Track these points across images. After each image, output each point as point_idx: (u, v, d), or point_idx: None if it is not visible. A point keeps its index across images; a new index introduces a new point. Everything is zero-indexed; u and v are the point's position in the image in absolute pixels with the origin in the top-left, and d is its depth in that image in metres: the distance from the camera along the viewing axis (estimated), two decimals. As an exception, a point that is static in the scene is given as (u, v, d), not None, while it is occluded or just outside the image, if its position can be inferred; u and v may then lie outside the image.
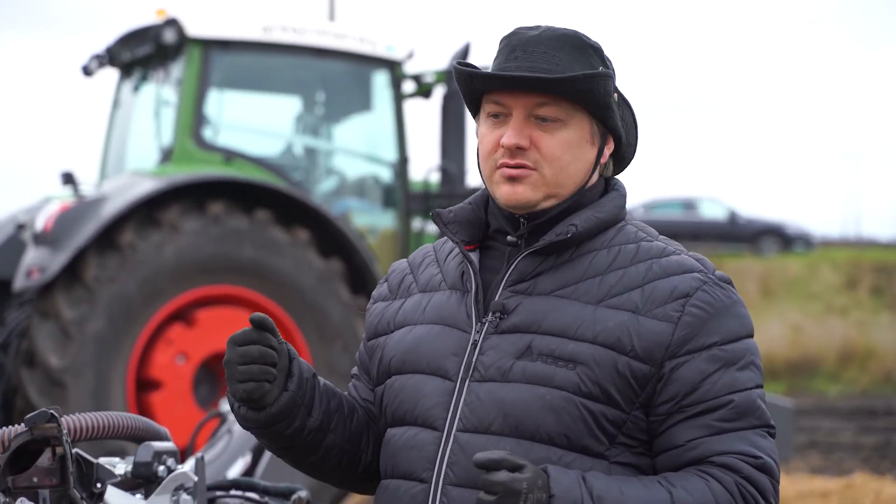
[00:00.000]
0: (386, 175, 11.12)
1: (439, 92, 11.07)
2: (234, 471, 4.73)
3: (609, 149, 2.83)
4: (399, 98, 10.88)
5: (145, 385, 9.67)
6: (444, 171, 11.01)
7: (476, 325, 2.76)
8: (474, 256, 2.82)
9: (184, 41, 10.13)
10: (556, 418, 2.64)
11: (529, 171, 2.74)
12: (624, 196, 2.85)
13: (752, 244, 36.45)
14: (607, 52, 2.84)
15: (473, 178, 11.33)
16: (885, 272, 31.61)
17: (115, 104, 11.32)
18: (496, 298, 2.76)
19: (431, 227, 10.86)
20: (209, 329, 9.74)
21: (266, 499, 3.65)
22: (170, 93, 10.40)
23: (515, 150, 2.74)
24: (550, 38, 2.76)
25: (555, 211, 2.77)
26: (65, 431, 2.71)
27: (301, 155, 11.18)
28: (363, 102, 11.12)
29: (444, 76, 10.96)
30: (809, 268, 32.46)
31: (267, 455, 4.82)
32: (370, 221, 11.01)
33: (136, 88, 11.08)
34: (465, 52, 10.87)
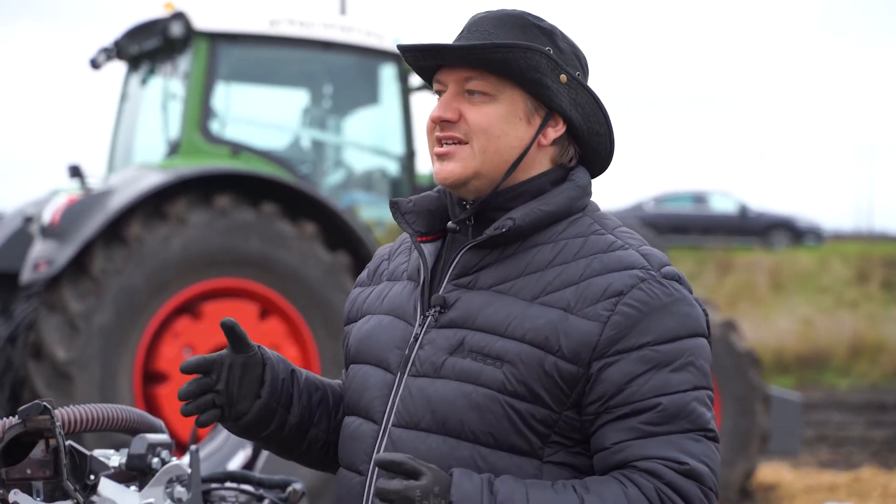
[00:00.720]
0: (393, 168, 11.12)
1: (446, 85, 11.03)
2: (235, 463, 4.71)
3: (555, 131, 2.76)
4: (406, 91, 10.88)
5: (152, 378, 9.68)
6: (451, 164, 10.98)
7: (419, 318, 2.74)
8: (432, 247, 2.80)
9: (191, 34, 10.14)
10: (480, 416, 2.60)
11: (460, 146, 2.71)
12: (582, 187, 2.77)
13: (762, 238, 36.39)
14: (564, 36, 2.79)
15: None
16: (895, 266, 31.54)
17: (123, 97, 11.33)
18: (439, 292, 2.73)
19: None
20: (216, 322, 9.71)
21: (261, 491, 3.65)
22: (177, 86, 10.41)
23: (444, 123, 2.73)
24: (495, 18, 2.75)
25: (488, 191, 2.72)
26: (58, 423, 2.71)
27: (308, 148, 11.19)
28: (370, 96, 11.11)
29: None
30: (820, 261, 32.41)
31: (268, 448, 4.82)
32: (377, 215, 11.01)
33: (144, 81, 11.09)
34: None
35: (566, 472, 2.63)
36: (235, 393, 2.73)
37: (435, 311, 2.71)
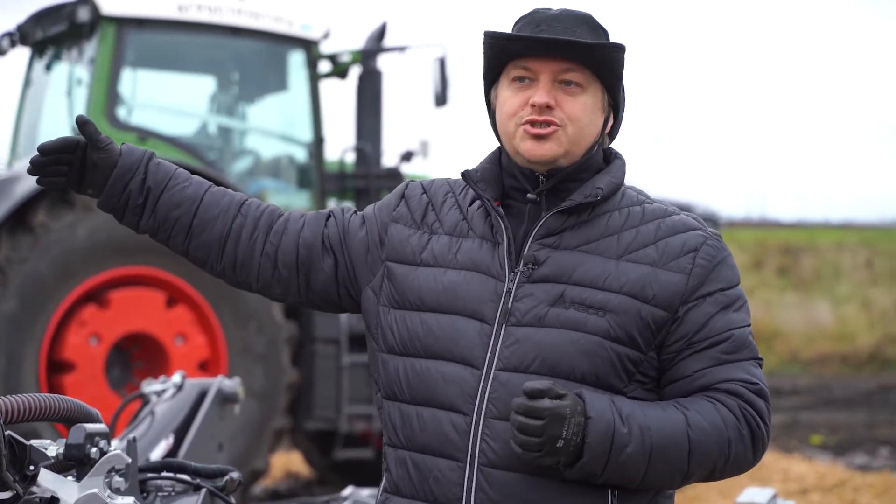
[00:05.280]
0: (301, 155, 11.09)
1: (355, 72, 11.05)
2: (157, 453, 4.68)
3: (609, 121, 3.16)
4: (315, 78, 10.85)
5: (57, 366, 9.57)
6: (360, 151, 11.00)
7: (509, 274, 3.05)
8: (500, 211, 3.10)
9: (98, 19, 10.02)
10: (590, 360, 2.98)
11: (555, 129, 3.04)
12: (625, 163, 3.18)
13: (660, 225, 36.69)
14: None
15: (389, 159, 11.32)
16: (790, 253, 31.98)
17: (27, 83, 11.18)
18: (526, 251, 3.06)
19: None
20: (122, 310, 9.67)
21: (198, 480, 3.63)
22: (83, 72, 10.29)
23: (545, 108, 3.04)
24: (570, 17, 3.08)
25: (570, 168, 3.09)
26: (-2, 413, 2.67)
27: (215, 134, 11.11)
28: (279, 82, 11.06)
29: (359, 56, 10.94)
30: (717, 249, 32.70)
31: (190, 437, 4.77)
32: (285, 201, 10.95)
33: (49, 67, 10.95)
34: (381, 31, 10.86)
35: None
36: (85, 180, 3.23)
37: (527, 268, 3.04)
